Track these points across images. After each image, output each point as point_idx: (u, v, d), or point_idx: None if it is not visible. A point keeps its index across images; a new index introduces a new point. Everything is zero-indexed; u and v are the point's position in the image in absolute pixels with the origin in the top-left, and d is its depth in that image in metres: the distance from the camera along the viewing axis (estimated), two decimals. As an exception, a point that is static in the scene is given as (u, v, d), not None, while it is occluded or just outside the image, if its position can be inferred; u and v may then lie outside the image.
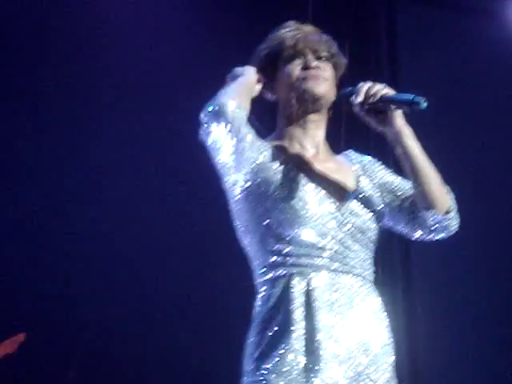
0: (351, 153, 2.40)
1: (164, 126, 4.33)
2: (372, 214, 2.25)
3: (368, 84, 2.16)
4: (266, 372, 2.04)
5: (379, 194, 2.31)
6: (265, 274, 2.16)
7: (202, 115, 2.14)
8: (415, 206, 2.28)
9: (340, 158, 2.38)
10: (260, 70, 2.29)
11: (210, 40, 4.32)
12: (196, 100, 2.25)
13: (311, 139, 2.28)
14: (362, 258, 2.21)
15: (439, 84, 4.67)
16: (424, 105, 2.09)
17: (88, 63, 4.36)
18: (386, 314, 2.21)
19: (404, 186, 2.33)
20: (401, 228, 2.34)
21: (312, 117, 2.27)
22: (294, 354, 2.05)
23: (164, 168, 4.37)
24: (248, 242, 2.22)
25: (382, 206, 2.29)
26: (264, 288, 2.16)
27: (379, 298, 2.22)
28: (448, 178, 2.32)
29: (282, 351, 2.05)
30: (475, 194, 4.40)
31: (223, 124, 2.10)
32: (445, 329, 4.51)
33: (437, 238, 2.32)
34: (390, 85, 2.17)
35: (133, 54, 4.37)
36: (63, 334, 4.24)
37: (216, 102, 2.11)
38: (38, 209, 4.24)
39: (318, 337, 2.06)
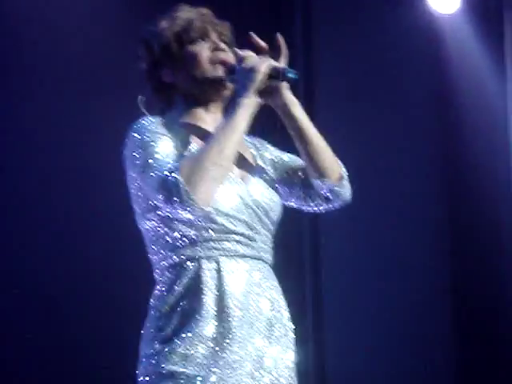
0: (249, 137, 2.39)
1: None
2: (273, 193, 2.25)
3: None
4: (169, 355, 2.02)
5: (272, 171, 2.31)
6: (169, 258, 2.12)
7: (163, 178, 2.02)
8: (307, 178, 2.29)
9: None
10: (163, 49, 2.23)
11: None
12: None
13: (213, 119, 2.24)
14: (265, 240, 2.19)
15: (352, 64, 4.71)
16: (294, 76, 2.16)
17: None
18: (283, 297, 2.22)
19: (293, 159, 2.34)
20: (294, 201, 2.34)
21: (215, 98, 2.25)
22: (201, 339, 2.04)
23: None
24: (150, 226, 2.16)
25: (276, 184, 2.30)
26: (166, 273, 2.13)
27: (277, 282, 2.22)
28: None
29: (190, 335, 2.03)
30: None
31: (184, 209, 2.02)
32: (353, 315, 4.56)
33: (330, 207, 2.34)
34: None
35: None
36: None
37: (187, 191, 1.99)
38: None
39: (230, 322, 2.06)
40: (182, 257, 2.10)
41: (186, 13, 2.24)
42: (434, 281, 4.82)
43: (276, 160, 2.34)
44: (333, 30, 4.72)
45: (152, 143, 2.09)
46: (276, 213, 2.24)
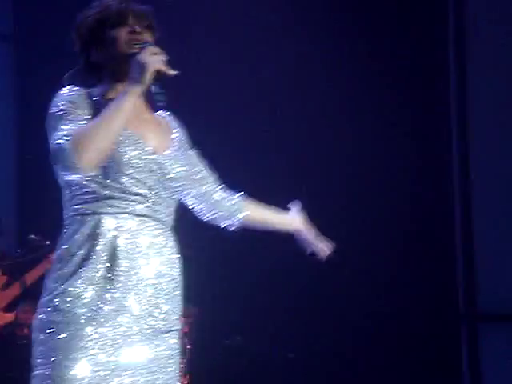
0: (169, 115, 2.65)
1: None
2: (181, 167, 2.52)
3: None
4: (63, 294, 2.33)
5: (184, 162, 2.57)
6: (74, 210, 2.41)
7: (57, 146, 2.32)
8: (215, 204, 2.70)
9: (157, 114, 2.62)
10: (89, 33, 2.52)
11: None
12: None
13: None
14: (167, 205, 2.48)
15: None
16: (158, 93, 2.42)
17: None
18: (179, 258, 2.51)
19: (207, 176, 2.68)
20: (191, 204, 2.69)
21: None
22: (91, 281, 2.33)
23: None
24: (66, 180, 2.42)
25: (185, 169, 2.56)
26: (70, 223, 2.42)
27: (175, 243, 2.51)
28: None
29: (82, 276, 2.33)
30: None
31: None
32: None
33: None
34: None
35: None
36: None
37: (74, 158, 2.28)
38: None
39: (117, 280, 2.34)
40: (86, 211, 2.39)
41: (108, 1, 2.54)
42: None
43: (190, 165, 2.60)
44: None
45: (62, 115, 2.40)
46: (180, 183, 2.51)
